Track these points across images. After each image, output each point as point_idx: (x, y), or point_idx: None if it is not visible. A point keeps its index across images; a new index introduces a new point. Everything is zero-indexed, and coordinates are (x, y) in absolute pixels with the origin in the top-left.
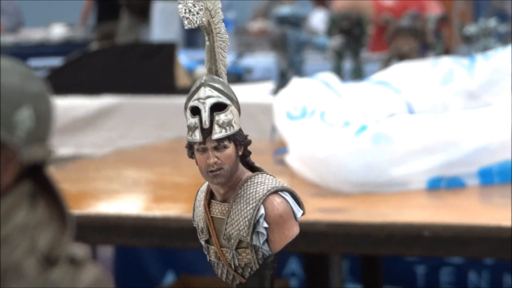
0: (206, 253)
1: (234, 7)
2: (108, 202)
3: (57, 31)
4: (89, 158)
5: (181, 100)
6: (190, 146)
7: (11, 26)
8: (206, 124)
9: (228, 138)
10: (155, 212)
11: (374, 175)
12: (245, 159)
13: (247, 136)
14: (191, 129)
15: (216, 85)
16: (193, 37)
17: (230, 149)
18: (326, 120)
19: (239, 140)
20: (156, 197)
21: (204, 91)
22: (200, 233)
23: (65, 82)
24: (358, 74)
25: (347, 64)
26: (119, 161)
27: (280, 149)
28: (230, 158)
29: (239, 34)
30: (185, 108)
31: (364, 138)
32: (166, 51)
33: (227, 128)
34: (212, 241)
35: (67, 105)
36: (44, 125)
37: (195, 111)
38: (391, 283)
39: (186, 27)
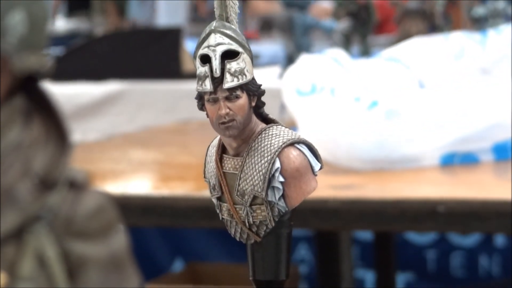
0: (218, 211)
1: None
2: (114, 183)
3: (61, 23)
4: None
5: (187, 85)
6: (200, 97)
7: None
8: (217, 72)
9: (241, 87)
10: (163, 191)
11: (386, 151)
12: (258, 111)
13: (260, 85)
14: (201, 78)
15: (227, 31)
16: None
17: (243, 99)
18: (336, 95)
19: (252, 89)
20: (163, 177)
21: (215, 38)
22: (212, 190)
23: (70, 69)
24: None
25: (355, 48)
26: (125, 142)
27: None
28: (242, 109)
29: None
30: (194, 57)
31: (376, 114)
32: (171, 36)
33: (240, 77)
34: (225, 198)
35: (72, 92)
36: (38, 31)
37: (205, 59)
38: (402, 269)
39: None
